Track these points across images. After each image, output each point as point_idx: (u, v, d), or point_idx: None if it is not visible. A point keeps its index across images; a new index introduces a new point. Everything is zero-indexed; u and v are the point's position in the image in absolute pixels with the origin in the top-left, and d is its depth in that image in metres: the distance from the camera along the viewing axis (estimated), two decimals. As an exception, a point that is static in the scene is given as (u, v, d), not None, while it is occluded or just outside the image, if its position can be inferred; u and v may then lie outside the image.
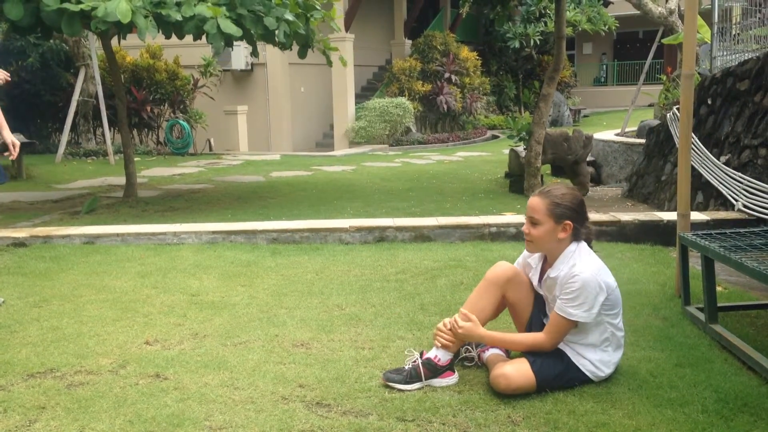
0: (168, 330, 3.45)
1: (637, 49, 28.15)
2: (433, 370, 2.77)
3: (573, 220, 2.70)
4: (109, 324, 3.54)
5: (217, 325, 3.51)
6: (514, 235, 5.29)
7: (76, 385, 2.81)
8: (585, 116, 22.84)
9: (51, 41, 12.99)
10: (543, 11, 20.08)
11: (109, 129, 12.49)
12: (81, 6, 5.50)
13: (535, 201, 2.75)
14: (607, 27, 20.11)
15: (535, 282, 2.89)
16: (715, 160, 5.94)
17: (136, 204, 7.60)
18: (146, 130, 14.45)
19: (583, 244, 2.75)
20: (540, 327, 2.85)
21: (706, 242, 3.35)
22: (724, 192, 5.61)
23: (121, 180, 8.55)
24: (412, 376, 2.76)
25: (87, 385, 2.80)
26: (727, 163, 5.80)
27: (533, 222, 2.74)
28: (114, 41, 8.61)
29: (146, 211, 7.24)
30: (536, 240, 2.75)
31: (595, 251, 2.80)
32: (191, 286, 4.22)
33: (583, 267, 2.66)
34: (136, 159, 9.42)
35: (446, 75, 17.62)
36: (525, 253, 2.96)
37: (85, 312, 3.73)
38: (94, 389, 2.77)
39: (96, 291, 4.13)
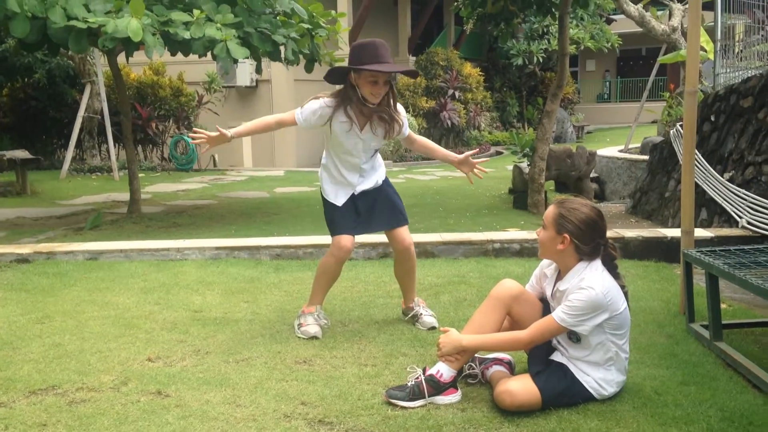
0: (170, 347, 3.44)
1: (640, 66, 28.23)
2: (436, 387, 2.76)
3: (574, 236, 2.70)
4: (111, 340, 3.53)
5: (219, 342, 3.50)
6: (517, 251, 5.28)
7: (78, 402, 2.80)
8: (588, 133, 22.88)
9: (58, 58, 13.09)
10: (546, 29, 20.18)
11: (114, 145, 12.54)
12: (89, 23, 5.54)
13: (550, 207, 2.81)
14: (610, 44, 20.21)
15: (548, 293, 2.88)
16: (718, 176, 5.94)
17: (140, 220, 7.62)
18: (151, 146, 14.51)
19: (597, 263, 2.74)
20: (545, 346, 2.84)
21: (711, 259, 3.34)
22: (728, 209, 5.60)
23: (125, 196, 8.58)
24: (415, 393, 2.75)
25: (88, 403, 2.79)
26: (731, 180, 5.79)
27: (543, 226, 2.79)
28: (119, 58, 8.67)
29: (150, 227, 7.25)
30: (540, 244, 2.82)
31: (619, 272, 2.79)
32: (194, 302, 4.21)
33: (593, 283, 2.66)
34: (140, 175, 9.46)
35: (450, 91, 17.69)
36: (543, 263, 2.97)
37: (87, 328, 3.73)
38: (96, 406, 2.76)
39: (98, 307, 4.12)
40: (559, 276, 2.82)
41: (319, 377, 3.02)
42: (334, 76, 3.51)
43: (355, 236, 3.65)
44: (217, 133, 3.44)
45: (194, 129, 3.50)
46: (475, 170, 3.79)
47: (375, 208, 3.66)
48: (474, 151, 3.84)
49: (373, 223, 3.69)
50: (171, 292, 4.42)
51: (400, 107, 3.60)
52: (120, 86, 8.12)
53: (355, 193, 3.61)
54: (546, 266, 2.94)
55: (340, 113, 3.46)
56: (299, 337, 3.53)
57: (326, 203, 3.66)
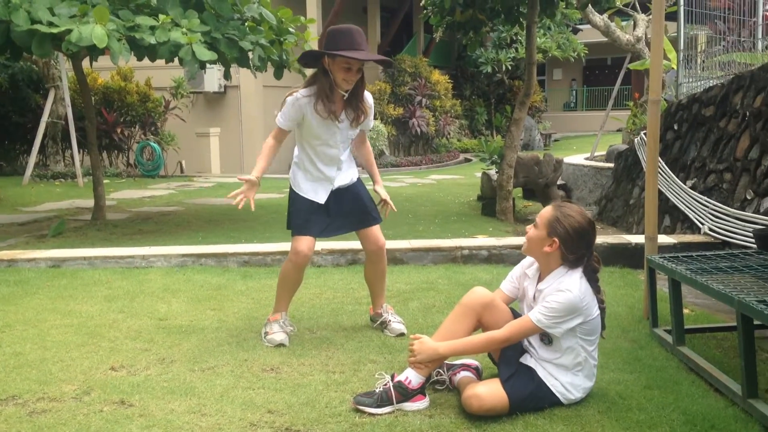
0: (134, 355, 3.39)
1: (605, 75, 28.71)
2: (405, 393, 2.76)
3: (562, 241, 2.73)
4: (74, 349, 3.47)
5: (185, 350, 3.45)
6: (486, 258, 5.31)
7: (39, 412, 2.74)
8: (555, 140, 23.17)
9: (21, 62, 12.85)
10: (514, 38, 20.41)
11: (79, 151, 12.33)
12: (53, 31, 5.44)
13: (546, 208, 2.85)
14: (576, 53, 20.52)
15: (530, 293, 2.89)
16: (681, 184, 6.05)
17: (105, 227, 7.50)
18: (116, 152, 14.30)
19: (578, 270, 2.77)
20: (518, 348, 2.86)
21: (673, 265, 3.40)
22: (690, 216, 5.71)
23: (90, 203, 8.44)
24: (383, 400, 2.74)
25: (49, 413, 2.73)
26: (693, 188, 5.90)
27: (535, 224, 2.82)
28: (85, 62, 8.54)
29: (114, 234, 7.14)
30: (528, 240, 2.84)
31: (600, 285, 2.84)
32: (159, 310, 4.15)
33: (571, 286, 2.69)
34: (105, 181, 9.31)
35: (418, 98, 17.77)
36: (524, 263, 2.99)
37: (49, 337, 3.65)
38: (57, 417, 2.70)
39: (61, 316, 4.04)
40: (540, 277, 2.86)
41: (287, 385, 2.99)
42: (308, 58, 3.48)
43: (328, 237, 3.60)
44: (247, 184, 3.43)
45: (232, 194, 3.45)
46: (385, 206, 3.77)
47: (347, 208, 3.62)
48: (386, 206, 3.76)
49: (345, 223, 3.65)
50: (135, 300, 4.36)
51: (368, 95, 3.58)
52: (85, 91, 7.99)
53: (333, 188, 3.57)
54: (527, 266, 2.96)
55: (315, 101, 3.42)
56: (266, 345, 3.50)
57: (297, 199, 3.58)
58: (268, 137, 3.60)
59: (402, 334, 3.64)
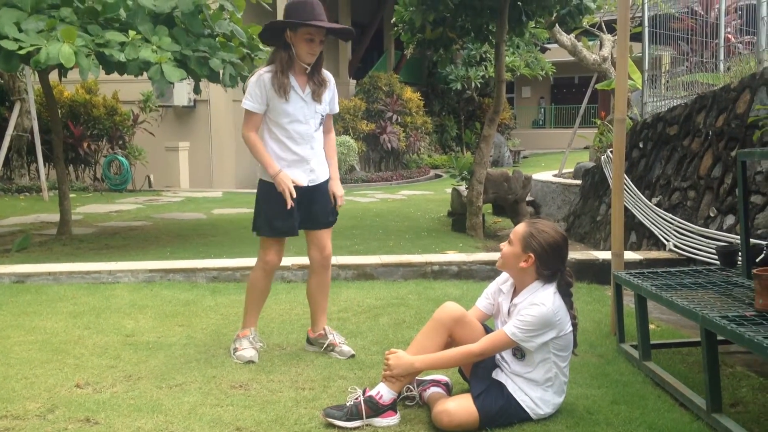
0: (100, 372, 3.33)
1: (573, 93, 29.16)
2: (375, 408, 2.75)
3: (537, 256, 2.77)
4: (38, 366, 3.40)
5: (151, 367, 3.40)
6: (456, 274, 5.34)
7: (1, 430, 2.68)
8: (524, 157, 23.44)
9: (-15, 75, 12.63)
10: (484, 56, 20.66)
11: (44, 164, 12.13)
12: (21, 52, 5.36)
13: (520, 225, 2.89)
14: (544, 72, 20.85)
15: (504, 308, 2.92)
16: (647, 201, 6.16)
17: (70, 242, 7.38)
18: (83, 166, 14.10)
19: (551, 287, 2.80)
20: (490, 363, 2.87)
21: (639, 281, 3.45)
22: (656, 232, 5.81)
23: (55, 217, 8.29)
24: (353, 414, 2.74)
25: (12, 431, 2.67)
26: (658, 205, 6.02)
27: (509, 241, 2.85)
28: (52, 75, 8.43)
29: (80, 249, 7.03)
30: (503, 256, 2.87)
31: (572, 301, 2.87)
32: (126, 326, 4.09)
33: (545, 300, 2.73)
34: (71, 195, 9.17)
35: (389, 114, 17.87)
36: (499, 279, 3.02)
37: (12, 354, 3.57)
38: (19, 436, 2.64)
39: (25, 332, 3.96)
40: (515, 292, 2.89)
41: (256, 402, 2.97)
42: (269, 32, 3.42)
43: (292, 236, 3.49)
44: (291, 183, 3.35)
45: (286, 192, 3.35)
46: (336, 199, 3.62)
47: (315, 205, 3.52)
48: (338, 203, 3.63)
49: (310, 219, 3.53)
50: (102, 316, 4.29)
51: (328, 74, 3.54)
52: (51, 104, 7.89)
53: (310, 171, 3.47)
54: (502, 282, 2.99)
55: (280, 76, 3.36)
56: (235, 362, 3.46)
57: (268, 194, 3.43)
58: (246, 133, 3.43)
59: (353, 356, 3.54)
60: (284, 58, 3.38)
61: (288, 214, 3.43)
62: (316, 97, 3.47)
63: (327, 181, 3.60)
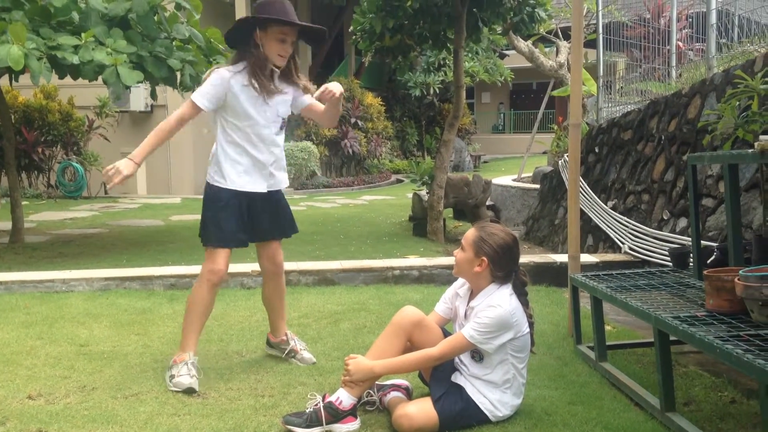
0: (53, 383, 3.25)
1: (531, 99, 29.52)
2: (335, 414, 2.74)
3: (490, 259, 2.79)
4: (-12, 379, 3.30)
5: (107, 377, 3.33)
6: (417, 278, 5.36)
7: (-53, 446, 2.60)
8: (485, 162, 23.66)
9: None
10: (443, 62, 20.79)
11: (-4, 171, 11.83)
12: None
13: (470, 230, 2.90)
14: (503, 78, 21.06)
15: (461, 312, 2.93)
16: (603, 205, 6.27)
17: (23, 250, 7.19)
18: (36, 172, 13.76)
19: (507, 287, 2.83)
20: (449, 367, 2.88)
21: (595, 283, 3.51)
22: (611, 235, 5.92)
23: (7, 225, 8.08)
24: (312, 420, 2.72)
25: (-41, 447, 2.59)
26: (614, 208, 6.13)
27: (462, 247, 2.87)
28: (4, 79, 8.23)
29: (33, 257, 6.86)
30: (457, 263, 2.89)
31: (528, 300, 2.90)
32: (80, 335, 4.00)
33: (501, 302, 2.76)
34: (24, 203, 8.95)
35: (351, 120, 17.87)
36: (456, 284, 3.04)
37: (-40, 366, 3.47)
38: (-33, 450, 2.56)
39: (-26, 343, 3.85)
40: (472, 295, 2.91)
41: (214, 410, 2.93)
42: (237, 33, 3.22)
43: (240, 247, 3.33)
44: (125, 168, 3.07)
45: (104, 171, 3.03)
46: (327, 95, 3.23)
47: (269, 215, 3.36)
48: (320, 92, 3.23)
49: (261, 229, 3.37)
50: (55, 326, 4.19)
51: (302, 76, 3.38)
52: (3, 109, 7.69)
53: (269, 178, 3.31)
54: (459, 287, 3.02)
55: (242, 77, 3.17)
56: (172, 390, 3.13)
57: (219, 201, 3.22)
58: (170, 118, 3.19)
59: (314, 363, 3.51)
60: (261, 56, 3.16)
61: (240, 222, 3.27)
62: (287, 88, 3.32)
63: (281, 190, 3.44)
